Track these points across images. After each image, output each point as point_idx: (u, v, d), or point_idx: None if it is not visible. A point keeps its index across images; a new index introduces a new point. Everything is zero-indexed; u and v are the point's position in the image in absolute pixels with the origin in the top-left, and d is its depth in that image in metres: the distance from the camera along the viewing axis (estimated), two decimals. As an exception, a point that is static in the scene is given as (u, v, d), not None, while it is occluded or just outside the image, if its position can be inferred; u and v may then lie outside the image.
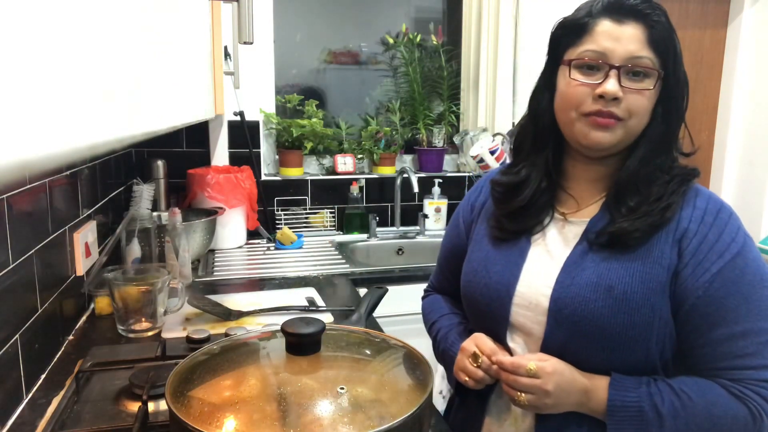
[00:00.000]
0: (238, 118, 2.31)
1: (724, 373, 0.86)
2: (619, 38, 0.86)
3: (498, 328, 0.97)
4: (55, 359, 1.24)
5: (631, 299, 0.85)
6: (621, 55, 0.86)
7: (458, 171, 2.71)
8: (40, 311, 1.16)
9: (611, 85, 0.85)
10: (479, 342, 0.96)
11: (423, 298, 1.25)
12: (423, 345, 0.95)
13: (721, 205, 0.90)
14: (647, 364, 0.88)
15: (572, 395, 0.87)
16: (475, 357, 0.95)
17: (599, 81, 0.87)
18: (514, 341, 0.96)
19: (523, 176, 0.98)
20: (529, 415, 0.94)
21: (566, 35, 0.92)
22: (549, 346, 0.91)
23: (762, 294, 0.85)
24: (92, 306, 1.51)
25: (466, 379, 0.96)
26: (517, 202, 0.98)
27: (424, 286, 1.24)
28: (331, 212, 2.52)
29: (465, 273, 1.04)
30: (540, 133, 0.97)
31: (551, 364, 0.87)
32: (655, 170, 0.90)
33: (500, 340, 0.97)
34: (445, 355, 1.06)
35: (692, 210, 0.88)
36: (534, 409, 0.89)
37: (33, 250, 1.13)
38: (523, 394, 0.87)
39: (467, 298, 1.03)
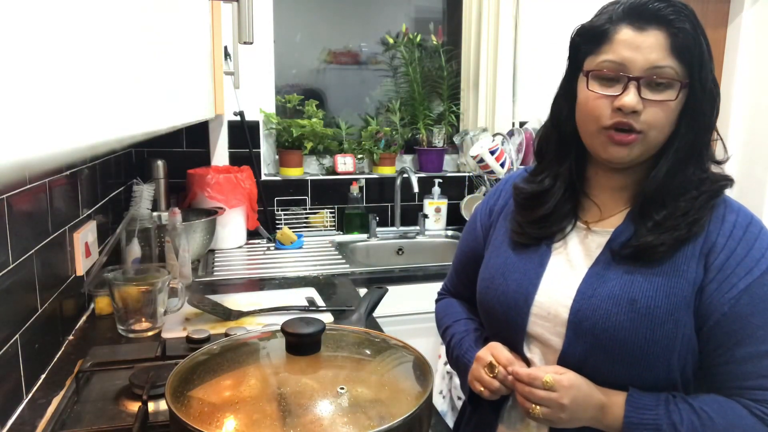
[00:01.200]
0: (238, 118, 2.31)
1: (747, 392, 0.83)
2: (640, 47, 0.82)
3: (515, 337, 0.94)
4: (55, 359, 1.24)
5: (654, 314, 0.82)
6: (641, 66, 0.82)
7: (458, 171, 2.71)
8: (40, 311, 1.16)
9: (630, 99, 0.82)
10: (495, 352, 0.93)
11: (437, 301, 1.22)
12: (423, 345, 0.95)
13: (751, 219, 0.86)
14: (668, 381, 0.85)
15: (588, 410, 0.85)
16: (491, 367, 0.92)
17: (618, 93, 0.83)
18: (531, 352, 0.94)
19: (547, 186, 0.96)
20: (544, 428, 0.92)
21: (586, 42, 0.88)
22: (567, 358, 0.88)
23: None
24: (92, 306, 1.51)
25: (482, 389, 0.94)
26: (541, 211, 0.96)
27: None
28: (331, 212, 2.52)
29: (482, 279, 1.01)
30: (563, 140, 0.95)
31: (568, 377, 0.85)
32: (684, 182, 0.86)
33: (517, 350, 0.94)
34: (459, 362, 1.03)
35: (721, 223, 0.85)
36: (548, 422, 0.87)
37: (33, 250, 1.13)
38: (537, 407, 0.85)
39: (483, 306, 1.00)
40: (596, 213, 0.95)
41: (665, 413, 0.82)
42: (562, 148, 0.96)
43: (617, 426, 0.85)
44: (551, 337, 0.90)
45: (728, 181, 0.88)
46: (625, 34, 0.83)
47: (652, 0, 0.82)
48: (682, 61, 0.82)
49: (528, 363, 0.93)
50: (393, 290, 1.58)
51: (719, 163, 0.90)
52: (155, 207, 2.02)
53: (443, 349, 1.12)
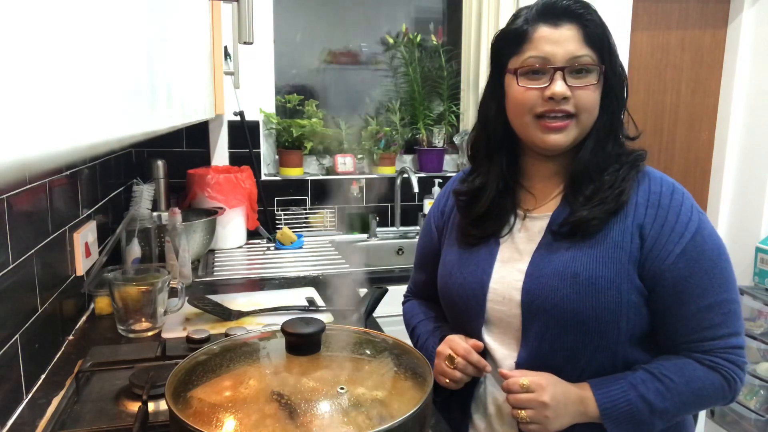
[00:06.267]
0: (238, 118, 2.31)
1: (695, 345, 0.92)
2: (558, 41, 0.91)
3: (475, 323, 1.01)
4: (55, 359, 1.24)
5: (596, 283, 0.90)
6: (562, 57, 0.90)
7: (458, 171, 2.71)
8: (40, 311, 1.16)
9: (559, 86, 0.90)
10: (452, 345, 1.00)
11: (403, 303, 1.29)
12: (423, 345, 0.95)
13: (673, 186, 0.95)
14: (619, 345, 0.91)
15: (569, 405, 0.90)
16: (450, 359, 0.98)
17: (546, 84, 0.91)
18: (491, 335, 1.00)
19: (479, 184, 1.03)
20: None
21: (507, 45, 0.96)
22: (527, 336, 0.95)
23: (721, 267, 0.91)
24: (92, 306, 1.51)
25: (447, 381, 1.00)
26: (477, 209, 1.02)
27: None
28: (331, 212, 2.52)
29: (441, 275, 1.08)
30: (492, 140, 1.02)
31: (544, 376, 0.91)
32: (606, 158, 0.94)
33: (477, 336, 1.00)
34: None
35: (648, 194, 0.93)
36: (538, 428, 0.90)
37: (33, 250, 1.13)
38: (522, 411, 0.89)
39: (445, 298, 1.08)
40: (532, 201, 1.01)
41: (630, 387, 0.90)
42: (491, 147, 1.03)
43: (598, 414, 0.90)
44: (510, 320, 0.97)
45: (643, 152, 0.97)
46: (543, 31, 0.92)
47: None
48: (595, 49, 0.92)
49: (486, 347, 0.99)
50: (393, 290, 1.58)
51: (632, 139, 0.99)
52: (155, 207, 2.02)
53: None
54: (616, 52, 0.95)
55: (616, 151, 0.95)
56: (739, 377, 0.92)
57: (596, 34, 0.91)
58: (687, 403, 0.92)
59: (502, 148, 1.01)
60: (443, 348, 1.01)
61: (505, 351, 0.98)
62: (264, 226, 2.37)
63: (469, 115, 2.65)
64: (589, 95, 0.91)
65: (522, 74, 0.93)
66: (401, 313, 1.27)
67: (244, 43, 0.77)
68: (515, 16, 0.96)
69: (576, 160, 0.96)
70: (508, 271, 0.98)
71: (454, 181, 1.14)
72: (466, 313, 1.02)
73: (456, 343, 0.99)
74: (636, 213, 0.92)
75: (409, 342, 0.90)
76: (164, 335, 1.35)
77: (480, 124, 1.04)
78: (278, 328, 0.81)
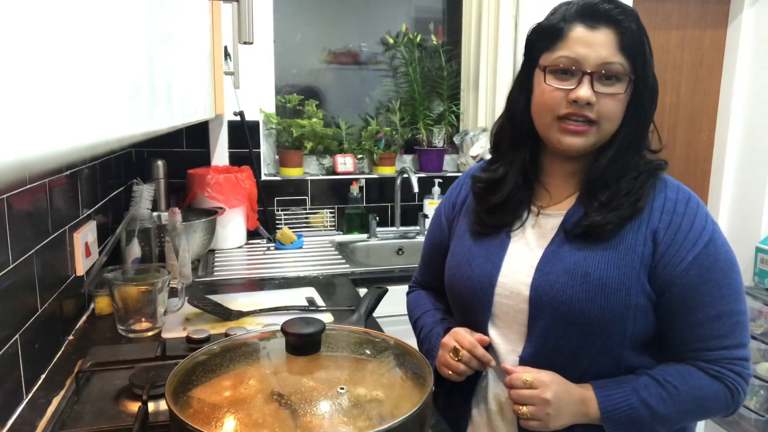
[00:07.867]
0: (238, 118, 2.31)
1: (700, 354, 0.92)
2: (592, 44, 0.89)
3: (481, 317, 1.00)
4: (55, 359, 1.24)
5: (606, 284, 0.89)
6: (594, 61, 0.88)
7: (458, 171, 2.71)
8: (40, 311, 1.16)
9: (584, 91, 0.88)
10: (458, 337, 1.00)
11: (408, 294, 1.29)
12: (423, 345, 0.95)
13: (689, 195, 0.95)
14: (623, 348, 0.91)
15: (570, 404, 0.90)
16: (455, 351, 0.98)
17: (573, 86, 0.90)
18: (496, 329, 1.00)
19: (501, 174, 1.02)
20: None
21: (541, 39, 0.94)
22: (533, 332, 0.95)
23: (732, 278, 0.92)
24: (92, 306, 1.51)
25: (450, 373, 1.00)
26: (495, 199, 1.02)
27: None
28: (331, 212, 2.52)
29: (449, 267, 1.08)
30: (518, 133, 1.01)
31: (547, 373, 0.91)
32: (624, 166, 0.94)
33: (483, 329, 1.00)
34: (429, 355, 1.09)
35: (664, 201, 0.93)
36: (539, 425, 0.90)
37: (33, 250, 1.13)
38: (524, 407, 0.89)
39: (452, 291, 1.07)
40: (547, 197, 1.01)
41: (632, 391, 0.90)
42: (516, 140, 1.01)
43: (599, 416, 0.90)
44: (516, 315, 0.97)
45: (663, 162, 0.97)
46: (579, 32, 0.90)
47: (602, 1, 0.89)
48: (629, 58, 0.89)
49: (491, 342, 0.99)
50: (393, 290, 1.58)
51: (654, 152, 0.98)
52: (155, 207, 2.02)
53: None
54: (652, 63, 0.92)
55: (636, 161, 0.94)
56: (743, 389, 0.92)
57: (632, 42, 0.89)
58: (689, 411, 0.91)
59: (526, 142, 1.00)
60: (448, 340, 1.01)
61: (508, 346, 0.98)
62: (264, 226, 2.36)
63: (469, 115, 2.65)
64: (613, 104, 0.90)
65: (550, 72, 0.92)
66: (401, 312, 1.27)
67: (244, 43, 0.77)
68: (553, 11, 0.94)
69: (594, 167, 0.95)
70: (518, 266, 0.97)
71: (469, 174, 1.14)
72: (472, 305, 1.01)
73: (462, 336, 0.99)
74: (651, 218, 0.92)
75: (408, 338, 0.90)
76: (164, 335, 1.35)
77: (507, 114, 1.03)
78: (278, 328, 0.81)
